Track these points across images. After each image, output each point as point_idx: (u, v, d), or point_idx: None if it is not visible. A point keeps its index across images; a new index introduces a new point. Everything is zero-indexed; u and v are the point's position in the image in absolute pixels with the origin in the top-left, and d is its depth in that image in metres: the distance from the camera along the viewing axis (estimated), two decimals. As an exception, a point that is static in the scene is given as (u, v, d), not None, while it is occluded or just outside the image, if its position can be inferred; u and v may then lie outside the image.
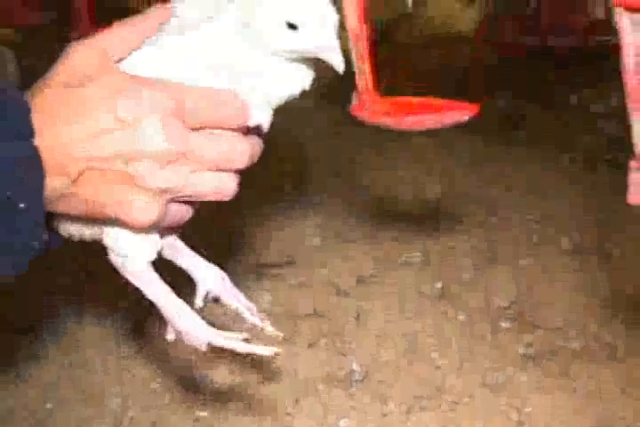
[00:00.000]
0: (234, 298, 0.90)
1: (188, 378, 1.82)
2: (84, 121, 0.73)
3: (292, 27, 0.75)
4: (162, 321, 0.85)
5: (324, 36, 0.76)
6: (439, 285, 2.12)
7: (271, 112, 0.81)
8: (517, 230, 2.34)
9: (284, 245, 2.26)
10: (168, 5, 0.81)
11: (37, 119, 0.72)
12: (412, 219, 2.43)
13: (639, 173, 0.77)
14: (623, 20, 0.76)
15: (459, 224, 2.37)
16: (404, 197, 2.53)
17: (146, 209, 0.75)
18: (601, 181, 2.45)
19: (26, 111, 0.72)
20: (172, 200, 0.78)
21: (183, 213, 0.81)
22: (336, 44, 0.77)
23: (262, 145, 0.82)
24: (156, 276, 0.83)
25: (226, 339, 0.83)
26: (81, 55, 0.76)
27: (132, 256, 0.82)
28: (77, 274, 2.10)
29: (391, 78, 3.41)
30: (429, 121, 0.85)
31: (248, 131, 0.80)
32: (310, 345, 1.92)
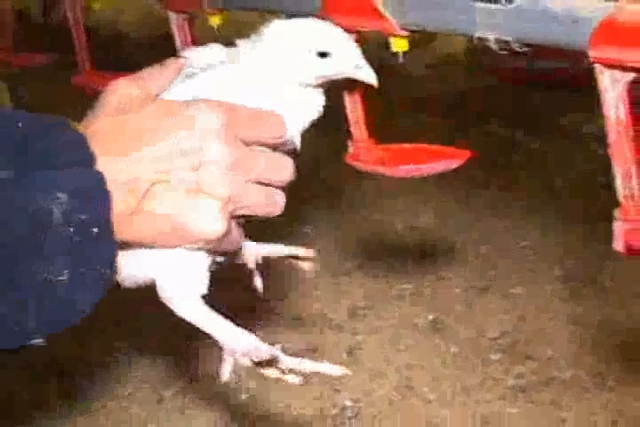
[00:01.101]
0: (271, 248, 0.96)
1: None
2: (144, 141, 0.76)
3: (322, 55, 0.85)
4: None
5: (354, 58, 0.86)
6: (431, 317, 2.14)
7: (299, 133, 0.87)
8: (510, 259, 2.35)
9: (277, 278, 2.28)
10: (180, 58, 0.86)
11: (96, 146, 0.75)
12: (405, 249, 2.45)
13: (622, 221, 0.79)
14: (603, 77, 0.78)
15: (451, 254, 2.39)
16: (398, 228, 2.55)
17: (215, 218, 0.78)
18: (594, 206, 2.46)
19: (83, 140, 0.75)
20: (232, 216, 0.80)
21: (239, 235, 0.84)
22: (365, 62, 0.86)
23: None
24: (207, 308, 0.85)
25: (291, 359, 0.86)
26: (124, 89, 0.80)
27: (184, 287, 0.84)
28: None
29: (387, 106, 3.42)
30: (422, 169, 0.90)
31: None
32: (302, 384, 1.93)
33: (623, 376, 1.89)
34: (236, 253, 0.91)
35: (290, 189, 0.91)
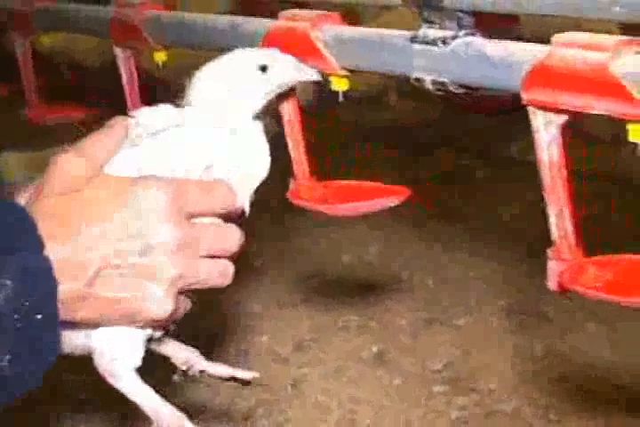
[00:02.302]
0: (217, 369, 0.98)
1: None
2: (90, 224, 0.76)
3: (263, 69, 0.88)
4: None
5: (292, 64, 0.89)
6: (376, 349, 2.14)
7: (250, 197, 0.88)
8: (456, 291, 2.37)
9: (222, 311, 2.27)
10: (126, 117, 0.87)
11: (42, 228, 0.74)
12: (351, 281, 2.45)
13: (556, 261, 0.81)
14: (537, 118, 0.80)
15: (398, 285, 2.40)
16: (344, 259, 2.55)
17: (163, 301, 0.78)
18: (540, 237, 2.48)
19: (32, 224, 0.75)
20: (180, 292, 0.81)
21: (184, 303, 0.84)
22: (303, 64, 0.90)
23: (243, 233, 0.86)
24: (138, 377, 0.87)
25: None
26: (70, 164, 0.80)
27: (122, 358, 0.85)
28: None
29: (338, 135, 3.42)
30: (361, 208, 0.92)
31: (231, 218, 0.86)
32: (247, 416, 1.92)
33: (565, 408, 1.90)
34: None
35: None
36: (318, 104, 2.55)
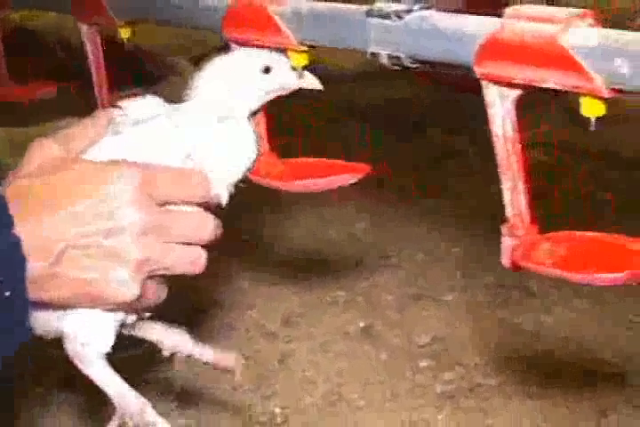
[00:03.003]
0: (204, 353, 0.99)
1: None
2: (59, 205, 0.78)
3: (266, 71, 0.89)
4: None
5: (290, 68, 0.90)
6: (363, 324, 2.15)
7: (229, 189, 0.89)
8: (443, 266, 2.38)
9: (211, 287, 2.29)
10: (114, 109, 0.89)
11: (14, 208, 0.77)
12: (339, 257, 2.46)
13: (510, 237, 0.81)
14: (490, 93, 0.79)
15: (385, 261, 2.41)
16: (332, 236, 2.56)
17: (129, 283, 0.80)
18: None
19: (3, 204, 0.77)
20: (150, 276, 0.82)
21: (158, 290, 0.86)
22: (305, 71, 0.91)
23: (220, 223, 0.87)
24: (107, 364, 0.88)
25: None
26: (46, 149, 0.83)
27: (93, 343, 0.87)
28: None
29: (329, 114, 3.43)
30: (318, 185, 0.92)
31: (209, 208, 0.87)
32: (233, 389, 1.94)
33: (549, 383, 1.92)
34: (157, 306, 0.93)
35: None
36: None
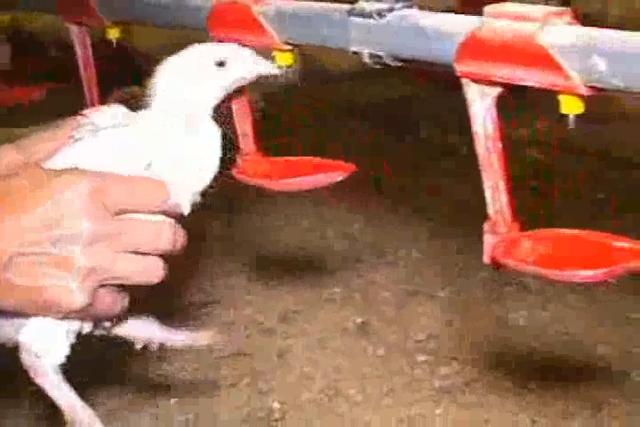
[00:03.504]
0: (175, 338, 0.98)
1: None
2: (8, 212, 0.78)
3: (221, 65, 0.89)
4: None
5: (250, 58, 0.90)
6: (360, 320, 2.17)
7: (192, 195, 0.88)
8: (438, 262, 2.39)
9: (208, 284, 2.30)
10: (79, 117, 0.89)
11: None
12: (336, 255, 2.48)
13: (491, 235, 0.82)
14: (470, 90, 0.80)
15: (381, 258, 2.42)
16: (329, 234, 2.58)
17: (75, 291, 0.79)
18: (522, 209, 2.50)
19: None
20: (102, 284, 0.82)
21: (114, 299, 0.84)
22: (260, 58, 0.90)
23: (183, 231, 0.86)
24: (60, 376, 0.88)
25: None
26: (4, 155, 0.84)
27: (47, 355, 0.86)
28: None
29: (322, 113, 3.44)
30: (304, 183, 0.92)
31: (171, 215, 0.86)
32: (232, 385, 1.95)
33: (545, 377, 1.93)
34: (120, 318, 0.93)
35: (223, 200, 0.93)
36: (301, 81, 2.56)
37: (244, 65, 0.89)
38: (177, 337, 0.98)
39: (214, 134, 0.89)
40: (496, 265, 0.80)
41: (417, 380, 1.97)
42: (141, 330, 0.97)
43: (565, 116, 0.76)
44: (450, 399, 1.91)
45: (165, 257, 0.85)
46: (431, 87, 3.49)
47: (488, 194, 0.81)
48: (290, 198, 2.61)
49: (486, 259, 0.81)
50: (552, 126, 2.95)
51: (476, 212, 2.83)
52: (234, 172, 0.93)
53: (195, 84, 0.88)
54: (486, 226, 0.82)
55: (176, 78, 0.88)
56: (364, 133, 3.11)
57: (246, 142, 0.93)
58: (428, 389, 1.95)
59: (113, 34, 1.08)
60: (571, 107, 0.76)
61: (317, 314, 2.20)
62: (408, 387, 1.96)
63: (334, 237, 2.56)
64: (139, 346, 0.98)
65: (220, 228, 2.46)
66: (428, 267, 2.37)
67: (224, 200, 2.59)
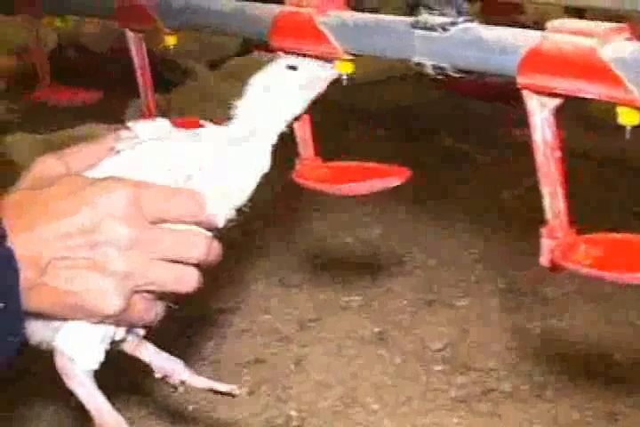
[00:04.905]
0: (197, 380, 1.00)
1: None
2: (49, 218, 0.80)
3: (292, 68, 0.93)
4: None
5: (315, 64, 0.94)
6: (377, 328, 2.19)
7: (228, 210, 0.90)
8: (456, 271, 2.41)
9: (228, 291, 2.32)
10: (124, 130, 0.92)
11: (8, 221, 0.79)
12: (353, 262, 2.50)
13: (549, 239, 0.85)
14: (531, 102, 0.83)
15: (399, 266, 2.44)
16: (347, 241, 2.59)
17: (112, 295, 0.81)
18: (538, 218, 2.53)
19: None
20: (137, 291, 0.84)
21: (148, 306, 0.87)
22: (326, 64, 0.95)
23: (218, 243, 0.88)
24: (92, 381, 0.90)
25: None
26: (46, 164, 0.86)
27: (80, 360, 0.88)
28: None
29: (340, 118, 3.45)
30: (362, 188, 0.95)
31: (206, 227, 0.88)
32: (251, 392, 1.97)
33: (560, 387, 1.95)
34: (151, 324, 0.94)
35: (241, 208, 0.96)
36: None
37: (314, 68, 0.93)
38: (198, 381, 1.00)
39: (264, 158, 0.91)
40: (554, 267, 0.83)
41: (433, 389, 1.99)
42: (162, 363, 0.99)
43: (593, 124, 0.79)
44: (466, 409, 1.93)
45: (201, 267, 0.87)
46: (443, 94, 3.53)
47: (546, 200, 0.84)
48: (307, 204, 2.63)
49: (544, 261, 0.84)
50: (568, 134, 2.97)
51: (494, 221, 2.87)
52: (294, 176, 0.96)
53: (276, 93, 0.92)
54: (544, 231, 0.85)
55: (261, 93, 0.92)
56: (379, 139, 3.14)
57: (305, 147, 0.96)
58: (444, 398, 1.96)
59: (170, 41, 1.11)
60: (629, 118, 0.79)
61: (335, 322, 2.22)
62: (424, 396, 1.97)
63: (352, 244, 2.57)
64: (158, 375, 1.00)
65: (238, 235, 2.48)
66: (445, 276, 2.39)
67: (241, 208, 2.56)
